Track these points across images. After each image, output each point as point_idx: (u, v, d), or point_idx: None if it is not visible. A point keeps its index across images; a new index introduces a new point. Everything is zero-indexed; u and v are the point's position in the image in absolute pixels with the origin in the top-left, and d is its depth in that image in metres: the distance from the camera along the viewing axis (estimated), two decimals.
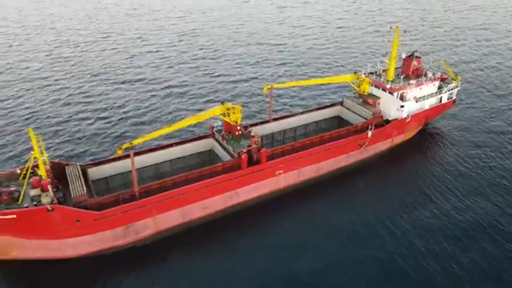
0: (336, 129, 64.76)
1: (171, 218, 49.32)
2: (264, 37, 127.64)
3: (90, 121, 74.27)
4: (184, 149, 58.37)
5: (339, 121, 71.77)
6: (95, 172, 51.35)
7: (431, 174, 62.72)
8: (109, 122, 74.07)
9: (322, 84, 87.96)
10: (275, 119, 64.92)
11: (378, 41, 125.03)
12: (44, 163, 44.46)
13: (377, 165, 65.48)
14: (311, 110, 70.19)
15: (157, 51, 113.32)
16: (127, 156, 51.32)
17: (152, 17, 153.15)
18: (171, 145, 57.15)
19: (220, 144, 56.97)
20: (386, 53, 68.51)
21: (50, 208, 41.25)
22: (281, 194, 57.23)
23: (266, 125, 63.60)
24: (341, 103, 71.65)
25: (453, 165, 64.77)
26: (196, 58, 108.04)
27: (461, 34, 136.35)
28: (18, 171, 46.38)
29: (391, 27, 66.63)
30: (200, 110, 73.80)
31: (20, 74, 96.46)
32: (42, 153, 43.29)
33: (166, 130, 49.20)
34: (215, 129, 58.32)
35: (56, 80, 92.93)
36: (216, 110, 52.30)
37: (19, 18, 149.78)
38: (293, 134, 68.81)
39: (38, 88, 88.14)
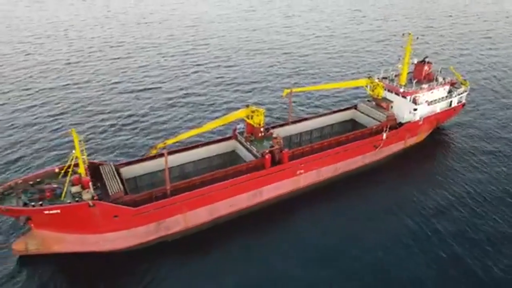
0: (350, 132, 67.54)
1: (199, 215, 51.93)
2: (274, 46, 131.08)
3: (114, 128, 76.77)
4: (207, 150, 61.14)
5: (353, 124, 74.47)
6: (126, 172, 54.08)
7: (447, 173, 65.39)
8: (133, 129, 76.71)
9: (337, 89, 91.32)
10: (293, 122, 67.86)
11: (386, 49, 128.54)
12: (84, 162, 47.24)
13: (391, 166, 68.13)
14: (326, 114, 73.06)
15: (171, 60, 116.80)
16: (156, 156, 54.58)
17: (162, 26, 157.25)
18: (195, 147, 59.98)
19: (243, 145, 59.70)
20: (399, 59, 71.55)
21: (91, 204, 43.96)
22: (301, 193, 59.88)
23: (286, 127, 66.43)
24: (355, 107, 74.56)
25: (467, 165, 67.60)
26: (210, 67, 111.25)
27: (470, 43, 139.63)
28: (57, 170, 49.27)
29: (403, 34, 69.70)
30: (218, 117, 76.78)
31: (39, 82, 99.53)
32: (82, 152, 46.04)
33: (196, 131, 52.25)
34: (237, 131, 61.19)
35: (77, 89, 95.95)
36: (241, 112, 55.30)
37: (31, 27, 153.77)
38: (309, 136, 71.60)
39: (60, 96, 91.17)
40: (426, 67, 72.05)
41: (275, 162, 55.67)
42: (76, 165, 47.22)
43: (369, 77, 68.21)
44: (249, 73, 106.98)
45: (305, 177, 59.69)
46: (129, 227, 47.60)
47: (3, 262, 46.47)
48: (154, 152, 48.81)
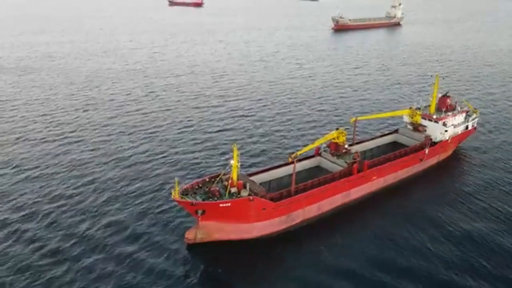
0: (393, 151, 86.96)
1: (312, 210, 69.69)
2: (304, 93, 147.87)
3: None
4: (297, 166, 79.14)
5: (394, 145, 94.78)
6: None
7: (477, 179, 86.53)
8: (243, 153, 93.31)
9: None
10: (357, 143, 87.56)
11: (401, 90, 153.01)
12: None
13: (432, 174, 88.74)
14: (376, 137, 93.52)
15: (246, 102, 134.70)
16: (267, 170, 73.16)
17: (204, 78, 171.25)
18: (286, 164, 77.50)
19: (328, 160, 78.33)
20: (428, 94, 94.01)
21: (251, 199, 60.72)
22: (374, 195, 78.86)
23: (351, 147, 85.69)
24: (396, 131, 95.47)
25: (488, 168, 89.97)
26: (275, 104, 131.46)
27: (462, 80, 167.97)
28: (207, 179, 66.35)
29: (431, 75, 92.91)
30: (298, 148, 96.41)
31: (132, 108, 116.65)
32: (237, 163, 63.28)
33: (312, 146, 75.24)
34: (321, 150, 79.98)
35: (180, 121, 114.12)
36: (334, 133, 75.18)
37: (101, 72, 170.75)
38: (364, 156, 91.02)
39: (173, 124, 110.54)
40: (448, 100, 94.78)
41: (358, 170, 74.46)
42: (224, 174, 64.50)
43: (410, 108, 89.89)
44: (308, 112, 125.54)
45: (377, 183, 78.84)
46: (270, 218, 64.40)
47: (177, 249, 61.51)
48: (290, 159, 67.06)
